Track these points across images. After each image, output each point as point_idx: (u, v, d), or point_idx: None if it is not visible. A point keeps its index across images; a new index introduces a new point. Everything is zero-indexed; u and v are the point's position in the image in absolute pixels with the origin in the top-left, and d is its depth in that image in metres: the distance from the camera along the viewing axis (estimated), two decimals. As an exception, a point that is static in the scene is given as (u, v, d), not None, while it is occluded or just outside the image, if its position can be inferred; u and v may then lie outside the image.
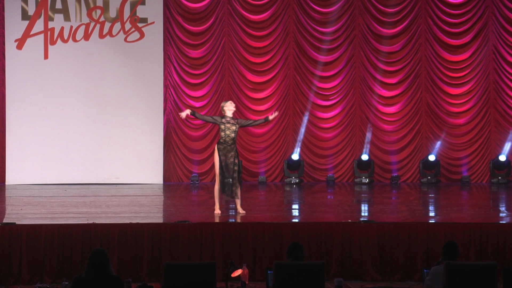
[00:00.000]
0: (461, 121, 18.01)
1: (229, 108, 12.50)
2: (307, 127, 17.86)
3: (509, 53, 17.88)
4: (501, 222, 11.97)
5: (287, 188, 16.84)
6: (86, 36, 17.08)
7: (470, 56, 17.94)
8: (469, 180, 17.72)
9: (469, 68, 17.95)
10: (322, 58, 17.79)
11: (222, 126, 12.37)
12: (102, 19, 17.14)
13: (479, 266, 8.50)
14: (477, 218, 12.33)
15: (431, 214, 13.89)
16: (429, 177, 17.59)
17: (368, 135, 17.82)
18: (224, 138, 12.36)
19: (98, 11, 17.12)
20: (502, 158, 17.64)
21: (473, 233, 10.97)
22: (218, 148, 12.38)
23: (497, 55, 17.90)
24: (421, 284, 9.41)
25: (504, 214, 13.66)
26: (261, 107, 17.76)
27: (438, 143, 17.85)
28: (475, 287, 8.16)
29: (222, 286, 8.91)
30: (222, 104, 12.66)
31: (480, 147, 17.98)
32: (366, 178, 17.56)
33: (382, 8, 17.83)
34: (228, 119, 12.42)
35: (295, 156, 17.60)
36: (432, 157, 17.69)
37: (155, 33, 17.28)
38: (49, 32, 16.99)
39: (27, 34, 16.92)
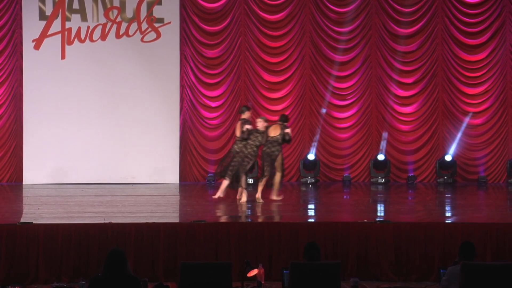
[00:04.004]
0: (478, 121, 17.95)
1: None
2: (323, 127, 17.85)
3: (527, 52, 17.84)
4: (518, 222, 11.92)
5: (303, 188, 16.82)
6: (103, 36, 17.14)
7: (487, 56, 17.88)
8: (486, 180, 17.65)
9: (486, 68, 17.90)
10: (338, 57, 17.78)
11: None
12: (118, 19, 17.20)
13: (496, 266, 8.46)
14: (494, 218, 12.29)
15: (448, 214, 13.84)
16: (445, 177, 17.54)
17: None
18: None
19: (115, 11, 17.18)
20: (520, 158, 17.59)
21: (490, 234, 10.93)
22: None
23: (514, 54, 17.86)
24: (438, 285, 9.38)
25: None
26: (277, 107, 17.76)
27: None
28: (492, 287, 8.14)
29: (238, 285, 8.91)
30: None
31: (497, 147, 17.92)
32: (382, 178, 17.53)
33: (399, 7, 17.80)
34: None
35: (311, 156, 17.59)
36: (448, 157, 17.65)
37: (171, 33, 17.32)
38: (66, 32, 17.05)
39: (44, 34, 16.99)
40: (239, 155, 13.79)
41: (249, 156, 13.81)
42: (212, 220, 11.30)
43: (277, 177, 14.08)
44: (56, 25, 17.03)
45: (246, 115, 14.03)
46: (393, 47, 17.84)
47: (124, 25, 17.22)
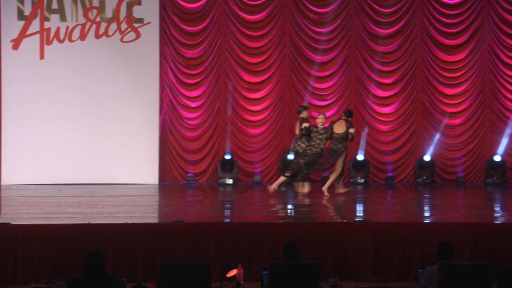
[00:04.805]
0: (456, 121, 18.04)
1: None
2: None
3: (505, 53, 17.93)
4: (495, 222, 12.01)
5: (283, 189, 16.81)
6: (82, 36, 17.07)
7: (466, 57, 17.97)
8: (464, 180, 17.74)
9: (465, 68, 17.98)
10: (318, 58, 17.81)
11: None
12: (98, 19, 17.14)
13: (473, 266, 8.52)
14: (472, 218, 12.35)
15: (426, 214, 13.90)
16: (424, 177, 17.61)
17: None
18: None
19: (94, 11, 17.12)
20: (497, 158, 17.67)
21: (468, 234, 10.98)
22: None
23: (493, 55, 17.94)
24: (416, 284, 9.42)
25: (499, 214, 13.70)
26: (257, 107, 17.78)
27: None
28: (469, 287, 8.18)
29: (217, 286, 8.91)
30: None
31: (475, 148, 18.01)
32: (361, 178, 17.57)
33: (378, 8, 17.85)
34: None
35: (290, 157, 17.58)
36: (427, 157, 17.72)
37: (151, 33, 17.28)
38: (45, 32, 16.98)
39: (23, 34, 16.91)
40: (300, 156, 14.87)
41: (311, 156, 14.77)
42: (192, 221, 11.29)
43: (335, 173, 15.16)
44: (35, 25, 16.96)
45: (304, 114, 15.15)
46: (373, 48, 17.89)
47: (103, 25, 17.16)
